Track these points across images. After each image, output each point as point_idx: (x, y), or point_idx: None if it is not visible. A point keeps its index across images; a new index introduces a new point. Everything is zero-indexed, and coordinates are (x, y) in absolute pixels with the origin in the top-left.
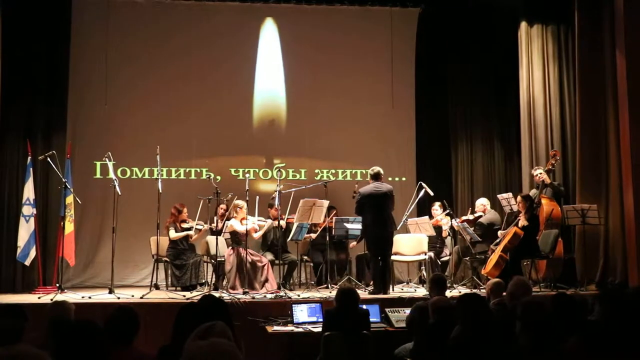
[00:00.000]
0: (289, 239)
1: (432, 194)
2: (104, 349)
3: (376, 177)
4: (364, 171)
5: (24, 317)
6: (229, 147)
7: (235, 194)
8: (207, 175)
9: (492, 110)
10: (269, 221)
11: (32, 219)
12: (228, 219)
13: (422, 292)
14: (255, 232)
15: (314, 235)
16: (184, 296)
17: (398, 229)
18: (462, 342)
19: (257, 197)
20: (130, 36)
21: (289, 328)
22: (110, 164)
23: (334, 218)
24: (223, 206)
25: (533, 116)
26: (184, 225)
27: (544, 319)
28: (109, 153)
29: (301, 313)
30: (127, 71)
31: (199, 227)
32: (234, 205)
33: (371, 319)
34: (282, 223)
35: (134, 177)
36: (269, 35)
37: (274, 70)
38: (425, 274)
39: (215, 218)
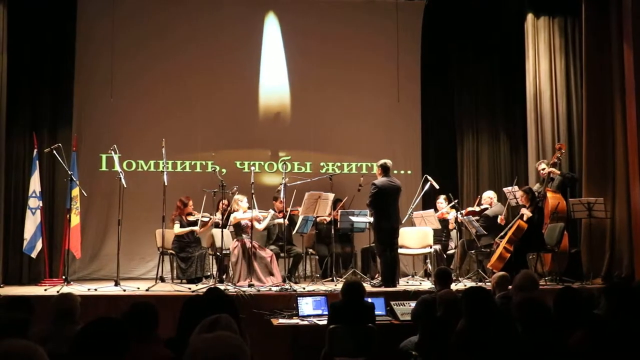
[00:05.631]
0: (294, 231)
1: (437, 187)
2: (126, 343)
3: (388, 170)
4: (369, 164)
5: (30, 310)
6: (235, 140)
7: (240, 186)
8: (213, 168)
9: (498, 103)
10: (271, 212)
11: (38, 212)
12: (230, 212)
13: (427, 285)
14: (258, 221)
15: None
16: (190, 289)
17: (403, 222)
18: (467, 336)
19: (255, 188)
20: (135, 29)
21: (294, 321)
22: (115, 157)
23: (339, 211)
24: (225, 201)
25: (539, 109)
26: (190, 219)
27: (542, 316)
28: (115, 146)
29: (306, 306)
30: (132, 64)
31: (204, 219)
32: (234, 200)
33: (376, 312)
34: (285, 220)
35: (140, 169)
36: (274, 27)
37: (279, 63)
38: (430, 267)
39: (218, 213)
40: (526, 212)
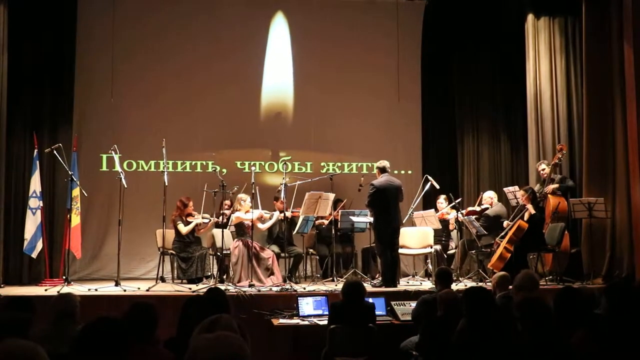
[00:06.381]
0: (295, 232)
1: (438, 187)
2: (126, 343)
3: (385, 170)
4: (369, 164)
5: (31, 310)
6: (235, 140)
7: (240, 187)
8: (213, 168)
9: (498, 103)
10: (276, 213)
11: (38, 212)
12: (232, 212)
13: (428, 285)
14: (262, 219)
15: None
16: (190, 289)
17: (404, 222)
18: (467, 336)
19: (257, 187)
20: (137, 28)
21: (295, 321)
22: (116, 157)
23: (339, 211)
24: (227, 202)
25: (540, 109)
26: (190, 219)
27: (543, 316)
28: (115, 146)
29: (307, 306)
30: (133, 64)
31: (204, 220)
32: (237, 199)
33: (377, 312)
34: (288, 214)
35: (140, 170)
36: (277, 28)
37: (280, 63)
38: (431, 267)
39: (220, 212)
40: (530, 208)
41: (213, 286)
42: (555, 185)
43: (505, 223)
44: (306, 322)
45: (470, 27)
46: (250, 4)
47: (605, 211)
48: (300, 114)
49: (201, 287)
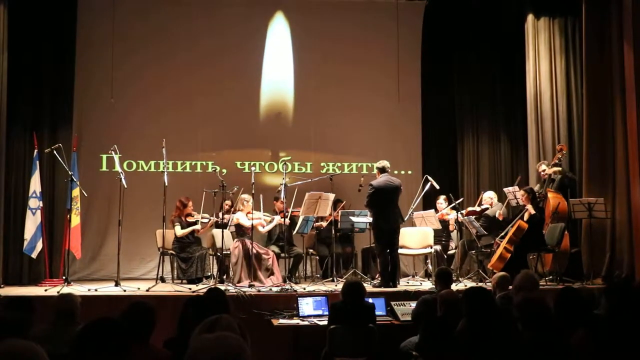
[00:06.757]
0: (295, 232)
1: (437, 187)
2: (125, 345)
3: (385, 170)
4: (369, 164)
5: (31, 310)
6: (235, 140)
7: (240, 187)
8: (213, 169)
9: (498, 103)
10: (277, 218)
11: (38, 212)
12: (234, 212)
13: (428, 285)
14: (262, 227)
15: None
16: (190, 289)
17: (405, 221)
18: (467, 336)
19: (261, 195)
20: (137, 28)
21: (295, 321)
22: (116, 157)
23: (339, 211)
24: (228, 202)
25: (540, 109)
26: (189, 220)
27: (542, 316)
28: (115, 146)
29: (307, 306)
30: (132, 64)
31: (204, 220)
32: (240, 199)
33: (377, 312)
34: (286, 221)
35: (140, 170)
36: (277, 28)
37: (281, 63)
38: (431, 268)
39: (220, 213)
40: (530, 209)
41: (213, 286)
42: (559, 169)
43: (497, 213)
44: (306, 322)
45: (470, 27)
46: (249, 3)
47: (605, 211)
48: (300, 114)
49: (201, 288)
